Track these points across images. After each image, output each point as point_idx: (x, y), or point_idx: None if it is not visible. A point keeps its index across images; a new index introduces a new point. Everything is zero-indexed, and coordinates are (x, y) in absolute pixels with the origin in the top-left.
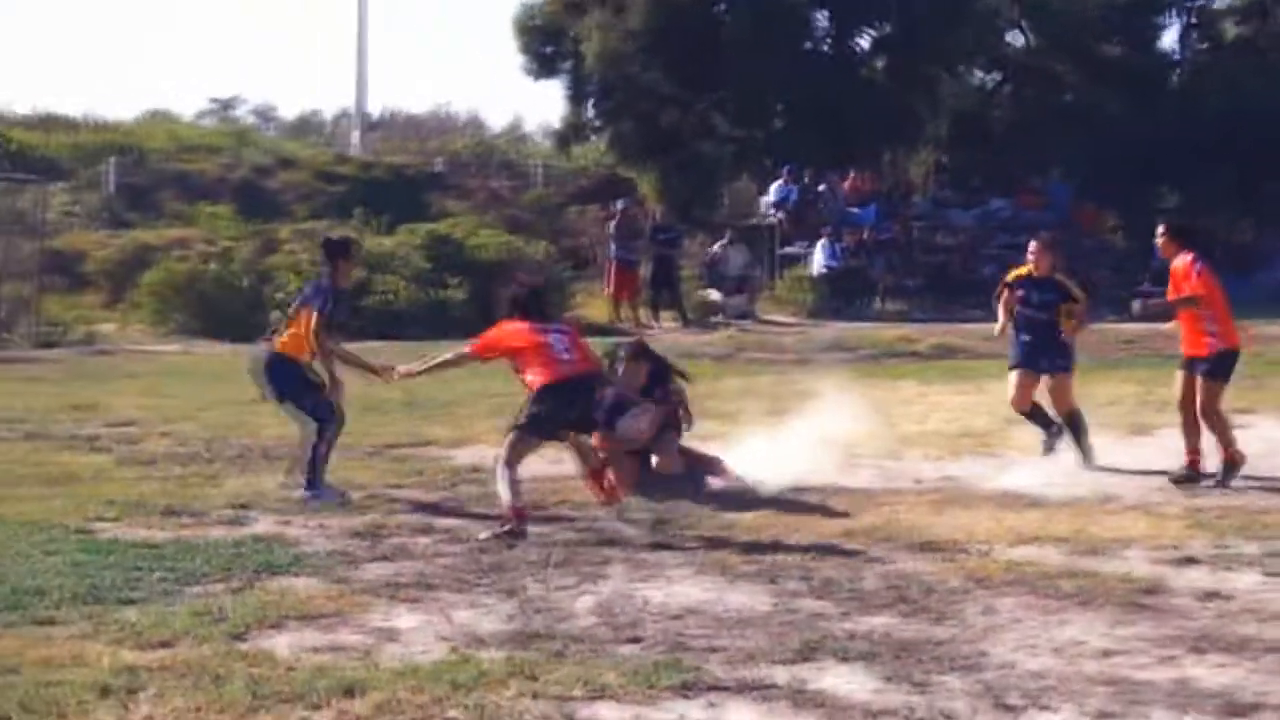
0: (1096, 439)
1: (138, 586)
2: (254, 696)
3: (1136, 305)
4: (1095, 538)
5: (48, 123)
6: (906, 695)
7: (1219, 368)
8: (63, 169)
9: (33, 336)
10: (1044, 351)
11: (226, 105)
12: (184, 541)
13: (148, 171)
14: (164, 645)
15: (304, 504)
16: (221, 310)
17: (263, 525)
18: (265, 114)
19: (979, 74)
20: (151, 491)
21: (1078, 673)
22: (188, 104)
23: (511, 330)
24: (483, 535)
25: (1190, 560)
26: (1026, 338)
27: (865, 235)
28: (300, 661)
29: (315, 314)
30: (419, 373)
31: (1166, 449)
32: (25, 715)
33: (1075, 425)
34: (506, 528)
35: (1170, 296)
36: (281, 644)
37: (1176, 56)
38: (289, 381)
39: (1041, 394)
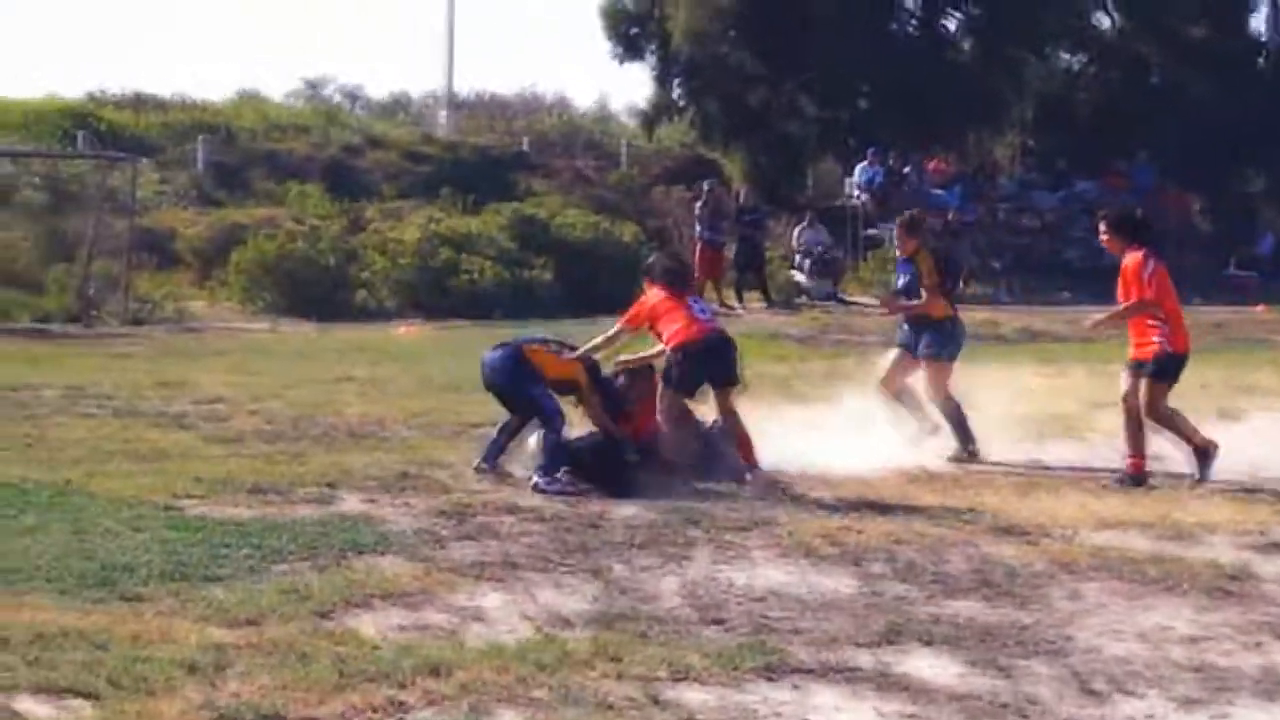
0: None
1: (224, 564)
2: (340, 675)
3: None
4: (1180, 523)
5: (139, 102)
6: (991, 680)
7: (1164, 370)
8: (153, 148)
9: (123, 314)
10: (918, 335)
11: (315, 86)
12: (270, 519)
13: (237, 151)
14: (250, 623)
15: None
16: (309, 289)
17: (349, 504)
18: (354, 94)
19: (1065, 56)
20: (238, 469)
21: (1163, 658)
22: (277, 85)
23: (654, 296)
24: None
25: (1276, 546)
26: (904, 322)
27: (950, 217)
28: (386, 640)
29: None
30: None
31: (1257, 433)
32: (114, 691)
33: (952, 417)
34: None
35: (1120, 298)
36: (367, 623)
37: (1264, 40)
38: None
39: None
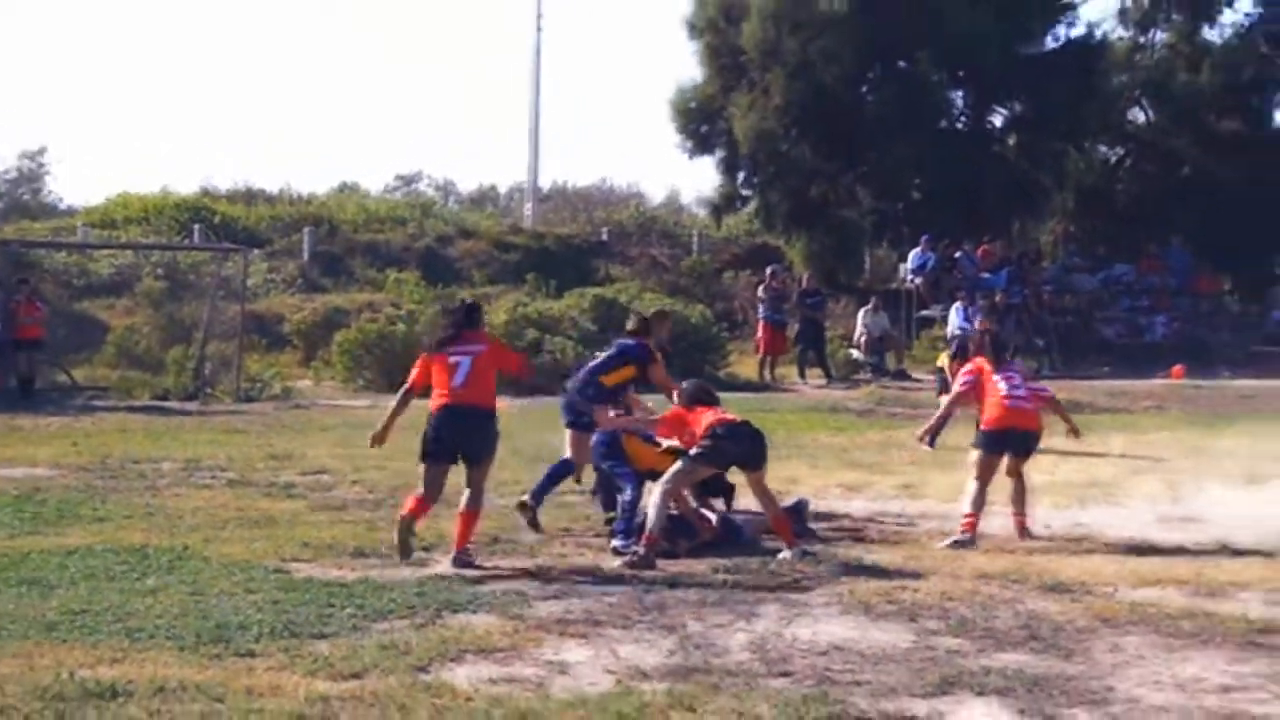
0: (1216, 487)
1: (330, 622)
2: None
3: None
4: (1213, 581)
5: (248, 196)
6: None
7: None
8: (262, 238)
9: (235, 392)
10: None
11: (410, 180)
12: (372, 581)
13: (339, 241)
14: (354, 676)
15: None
16: (405, 368)
17: (444, 566)
18: (445, 188)
19: (1103, 149)
20: (342, 535)
21: (1199, 707)
22: (375, 179)
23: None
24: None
25: None
26: None
27: (997, 299)
28: (478, 692)
29: None
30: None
31: None
32: None
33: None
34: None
35: None
36: (461, 676)
37: None
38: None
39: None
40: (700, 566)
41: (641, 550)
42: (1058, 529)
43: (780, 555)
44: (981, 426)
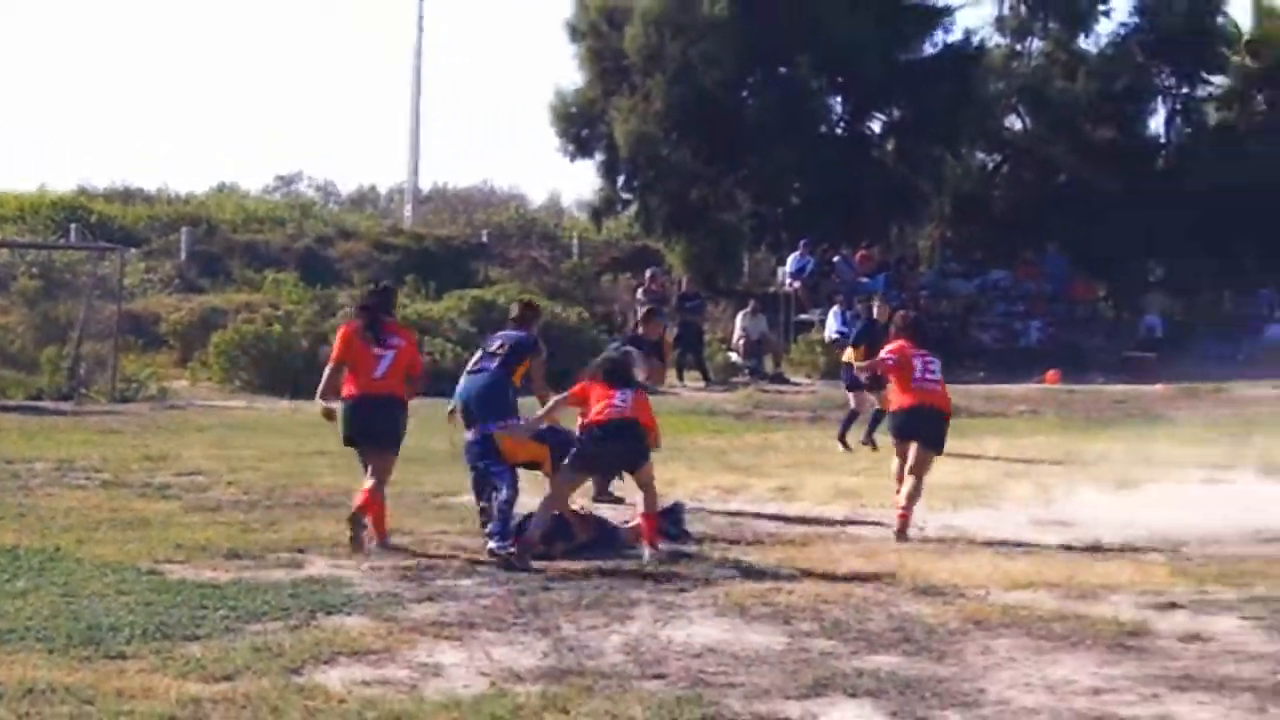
0: (1088, 491)
1: (202, 624)
2: None
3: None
4: (1085, 584)
5: (126, 195)
6: None
7: None
8: (139, 238)
9: (110, 392)
10: None
11: (289, 181)
12: (245, 582)
13: (218, 241)
14: (226, 679)
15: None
16: (283, 369)
17: (318, 568)
18: (325, 189)
19: (980, 155)
20: (217, 536)
21: (1068, 709)
22: (254, 179)
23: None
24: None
25: (1173, 605)
26: None
27: (875, 303)
28: (351, 694)
29: None
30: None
31: (1155, 500)
32: None
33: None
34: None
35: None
36: (334, 678)
37: (1163, 140)
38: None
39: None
40: (576, 568)
41: (515, 550)
42: (932, 531)
43: (644, 557)
44: (892, 408)
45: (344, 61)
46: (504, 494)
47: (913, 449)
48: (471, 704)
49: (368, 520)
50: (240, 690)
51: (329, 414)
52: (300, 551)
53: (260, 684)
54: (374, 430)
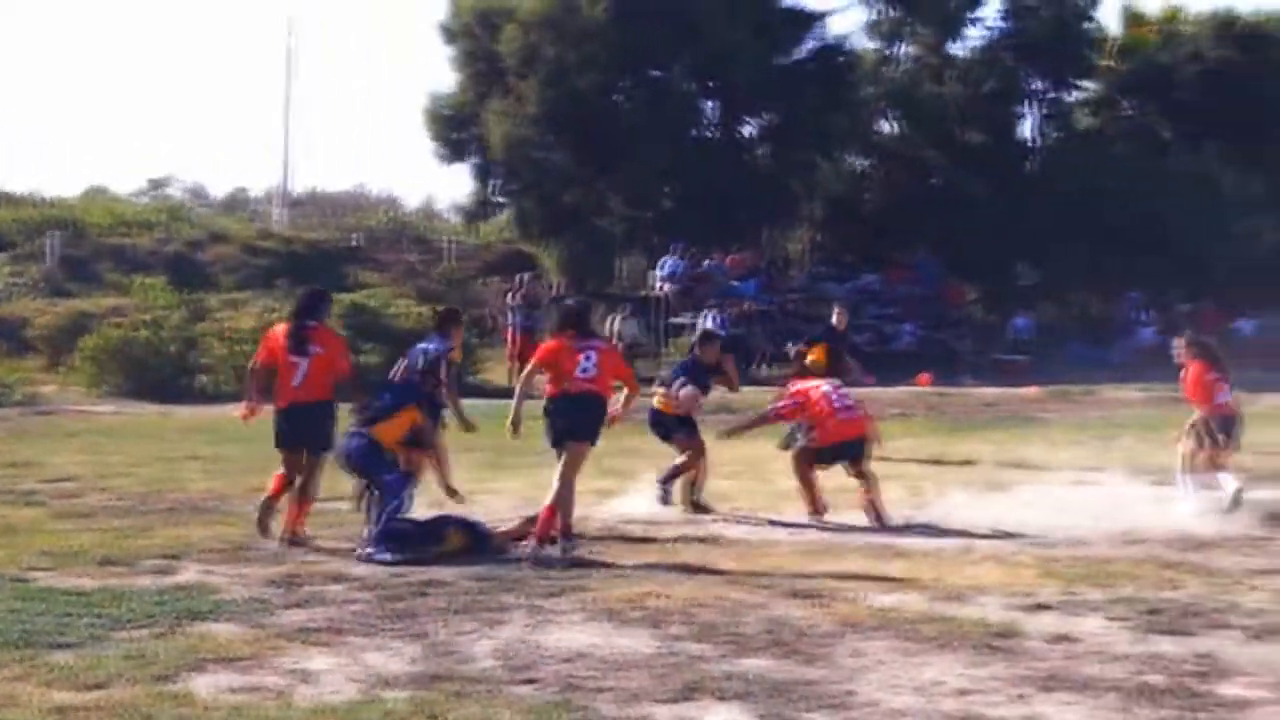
0: (959, 494)
1: (70, 632)
2: None
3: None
4: (954, 585)
5: None
6: None
7: None
8: (6, 241)
9: None
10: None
11: (160, 184)
12: (114, 589)
13: (87, 244)
14: (95, 687)
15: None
16: (152, 374)
17: (188, 574)
18: (196, 192)
19: (852, 159)
20: (86, 543)
21: (936, 710)
22: (125, 183)
23: (552, 345)
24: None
25: (1041, 606)
26: None
27: (747, 306)
28: (220, 701)
29: None
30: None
31: (1024, 503)
32: None
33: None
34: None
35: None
36: (203, 685)
37: (1033, 144)
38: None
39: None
40: (448, 573)
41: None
42: (805, 535)
43: (523, 549)
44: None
45: (216, 64)
46: (390, 503)
47: None
48: (342, 710)
49: (296, 533)
50: (110, 698)
51: (245, 414)
52: (171, 558)
53: (130, 692)
54: (296, 438)
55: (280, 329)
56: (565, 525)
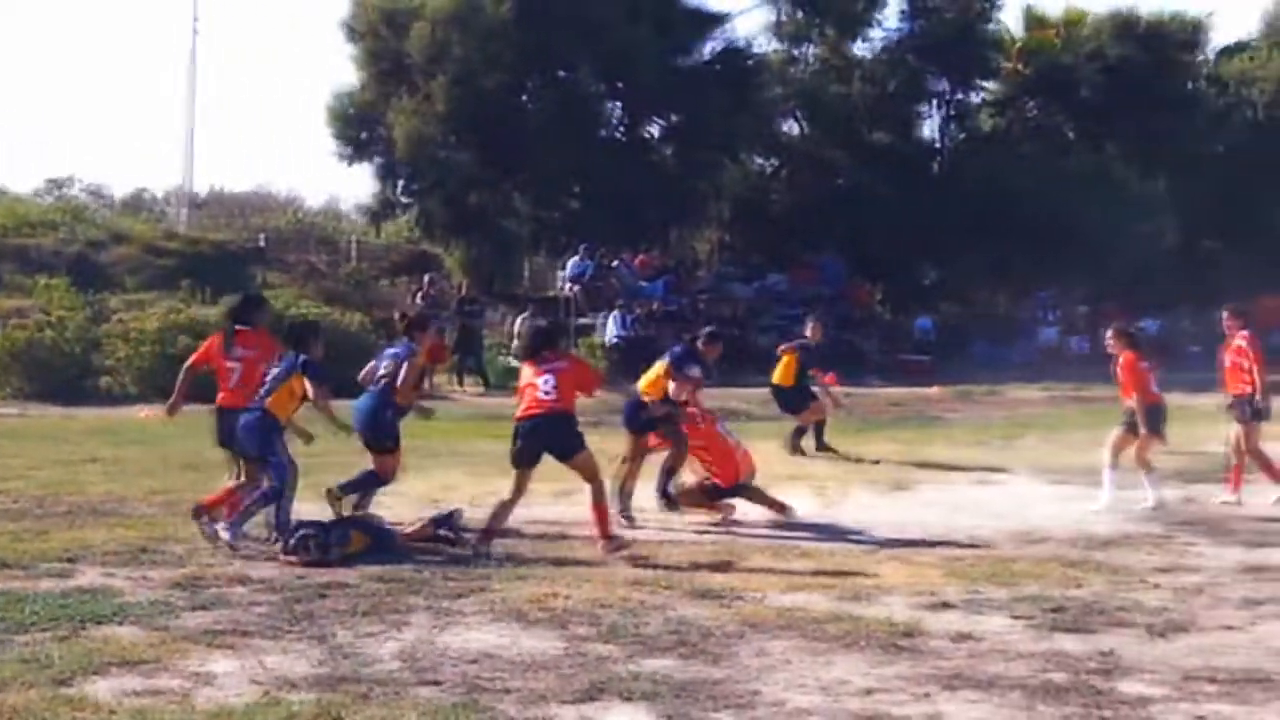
0: (863, 494)
1: None
2: None
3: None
4: (859, 585)
5: None
6: None
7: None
8: None
9: None
10: None
11: (61, 184)
12: (13, 593)
13: None
14: None
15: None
16: (55, 375)
17: (89, 577)
18: (98, 192)
19: (758, 160)
20: None
21: (841, 709)
22: (24, 183)
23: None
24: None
25: (945, 605)
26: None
27: (654, 307)
28: (121, 705)
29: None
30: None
31: (928, 502)
32: None
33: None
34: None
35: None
36: (104, 689)
37: (938, 144)
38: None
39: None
40: (351, 575)
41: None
42: (708, 535)
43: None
44: None
45: (118, 63)
46: (271, 485)
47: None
48: (243, 713)
49: (212, 516)
50: (8, 703)
51: (165, 412)
52: (71, 561)
53: (28, 695)
54: (232, 439)
55: (217, 335)
56: (490, 527)
